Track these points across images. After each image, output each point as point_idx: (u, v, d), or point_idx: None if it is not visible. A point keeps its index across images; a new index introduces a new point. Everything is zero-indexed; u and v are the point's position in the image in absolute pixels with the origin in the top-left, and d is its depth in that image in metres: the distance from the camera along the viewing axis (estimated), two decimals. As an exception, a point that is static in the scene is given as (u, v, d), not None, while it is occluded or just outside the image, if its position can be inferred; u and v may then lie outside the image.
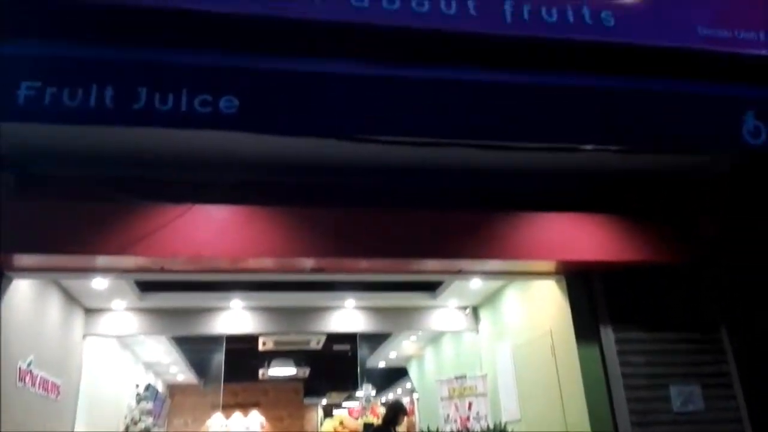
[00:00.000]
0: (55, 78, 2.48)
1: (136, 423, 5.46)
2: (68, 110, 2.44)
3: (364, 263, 4.22)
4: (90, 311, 5.81)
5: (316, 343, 8.45)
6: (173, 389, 10.96)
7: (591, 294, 4.52)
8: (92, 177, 3.78)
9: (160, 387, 9.75)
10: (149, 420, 5.39)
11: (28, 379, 4.30)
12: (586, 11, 3.47)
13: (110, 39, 2.88)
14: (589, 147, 3.32)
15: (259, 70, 2.78)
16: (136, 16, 2.98)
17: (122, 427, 5.80)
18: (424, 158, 3.86)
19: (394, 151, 3.44)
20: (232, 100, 2.57)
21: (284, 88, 2.79)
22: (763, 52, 3.64)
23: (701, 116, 3.05)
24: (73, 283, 5.05)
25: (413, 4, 3.27)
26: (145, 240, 3.60)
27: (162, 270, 4.02)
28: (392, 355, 9.37)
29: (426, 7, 3.27)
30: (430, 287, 6.16)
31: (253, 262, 4.01)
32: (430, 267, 4.46)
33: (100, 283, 4.81)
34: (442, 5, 3.31)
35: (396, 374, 11.22)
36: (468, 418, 5.71)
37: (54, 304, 4.98)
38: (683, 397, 4.26)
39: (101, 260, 3.81)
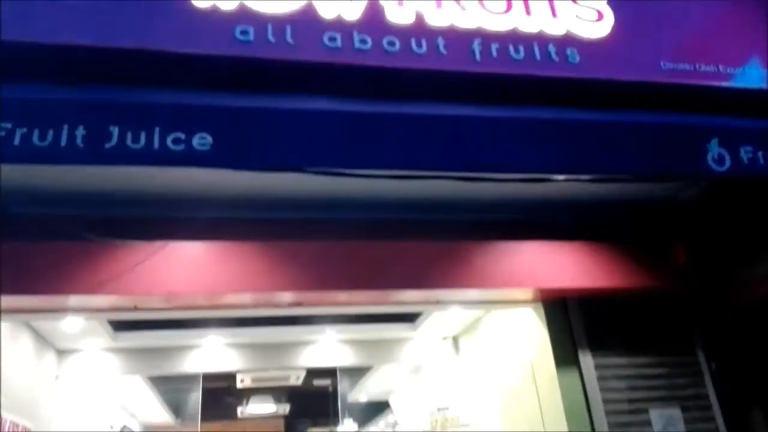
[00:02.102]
0: (25, 119, 2.45)
1: (110, 466, 5.29)
2: (38, 151, 2.42)
3: (342, 296, 4.20)
4: (62, 352, 5.67)
5: (295, 379, 8.32)
6: (149, 429, 10.67)
7: (569, 321, 4.55)
8: (63, 216, 3.72)
9: (135, 427, 9.48)
10: (124, 463, 5.23)
11: (-4, 425, 4.16)
12: (551, 48, 3.60)
13: (80, 79, 2.89)
14: (560, 177, 3.39)
15: (232, 107, 2.80)
16: (106, 55, 2.99)
17: (96, 472, 5.64)
18: (400, 191, 3.90)
19: (369, 185, 3.47)
20: (206, 137, 2.57)
21: (258, 124, 2.81)
22: (723, 83, 3.80)
23: (666, 145, 3.14)
24: (45, 324, 4.93)
25: (384, 43, 3.34)
26: (118, 279, 3.54)
27: (135, 309, 3.95)
28: (374, 388, 9.25)
29: (397, 46, 3.36)
30: (410, 318, 6.14)
31: (229, 298, 3.97)
32: (408, 298, 4.45)
33: (72, 323, 4.71)
34: (413, 44, 3.40)
35: (378, 408, 11.07)
36: (451, 451, 5.65)
37: (24, 346, 4.85)
38: (664, 420, 4.27)
39: (73, 300, 3.73)
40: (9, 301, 3.70)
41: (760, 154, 3.14)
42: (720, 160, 3.10)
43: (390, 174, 3.25)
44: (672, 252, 4.51)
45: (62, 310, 4.02)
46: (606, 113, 3.34)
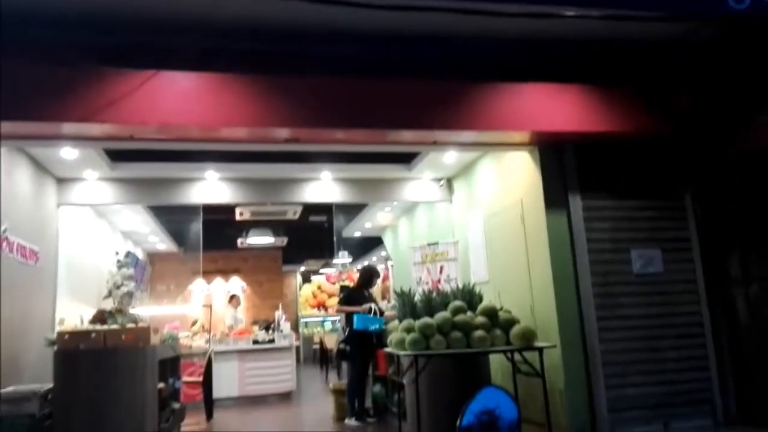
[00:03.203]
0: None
1: (118, 287, 5.60)
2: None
3: (339, 134, 4.18)
4: (62, 181, 5.76)
5: (292, 214, 8.56)
6: (153, 257, 11.23)
7: (562, 164, 4.61)
8: (54, 41, 3.58)
9: (140, 255, 9.96)
10: (131, 284, 5.54)
11: (5, 245, 4.34)
12: None
13: None
14: (569, 13, 3.20)
15: None
16: None
17: (105, 292, 5.99)
18: (400, 26, 3.72)
19: (368, 17, 3.29)
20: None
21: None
22: None
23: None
24: (42, 151, 4.95)
25: None
26: (110, 107, 3.49)
27: (131, 138, 3.94)
28: (368, 225, 9.60)
29: None
30: (406, 159, 6.19)
31: (225, 132, 3.94)
32: (405, 138, 4.44)
33: (68, 152, 4.73)
34: None
35: (371, 243, 11.59)
36: (439, 281, 5.99)
37: (23, 172, 4.91)
38: (643, 260, 4.51)
39: (66, 127, 3.70)
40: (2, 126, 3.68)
41: (784, -8, 2.96)
42: (740, -2, 2.93)
43: (388, 4, 3.06)
44: (676, 97, 4.43)
45: (56, 138, 4.01)
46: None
